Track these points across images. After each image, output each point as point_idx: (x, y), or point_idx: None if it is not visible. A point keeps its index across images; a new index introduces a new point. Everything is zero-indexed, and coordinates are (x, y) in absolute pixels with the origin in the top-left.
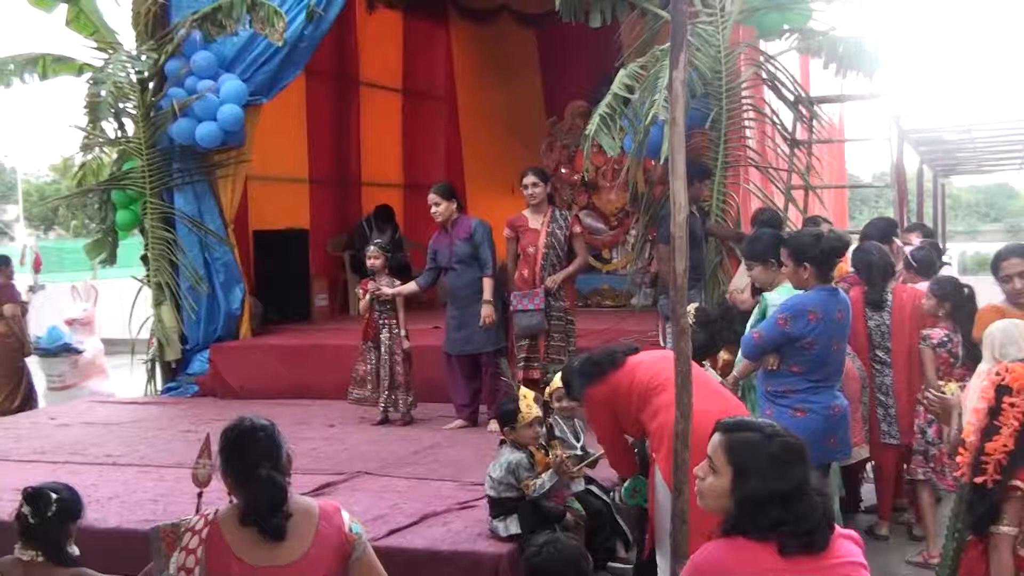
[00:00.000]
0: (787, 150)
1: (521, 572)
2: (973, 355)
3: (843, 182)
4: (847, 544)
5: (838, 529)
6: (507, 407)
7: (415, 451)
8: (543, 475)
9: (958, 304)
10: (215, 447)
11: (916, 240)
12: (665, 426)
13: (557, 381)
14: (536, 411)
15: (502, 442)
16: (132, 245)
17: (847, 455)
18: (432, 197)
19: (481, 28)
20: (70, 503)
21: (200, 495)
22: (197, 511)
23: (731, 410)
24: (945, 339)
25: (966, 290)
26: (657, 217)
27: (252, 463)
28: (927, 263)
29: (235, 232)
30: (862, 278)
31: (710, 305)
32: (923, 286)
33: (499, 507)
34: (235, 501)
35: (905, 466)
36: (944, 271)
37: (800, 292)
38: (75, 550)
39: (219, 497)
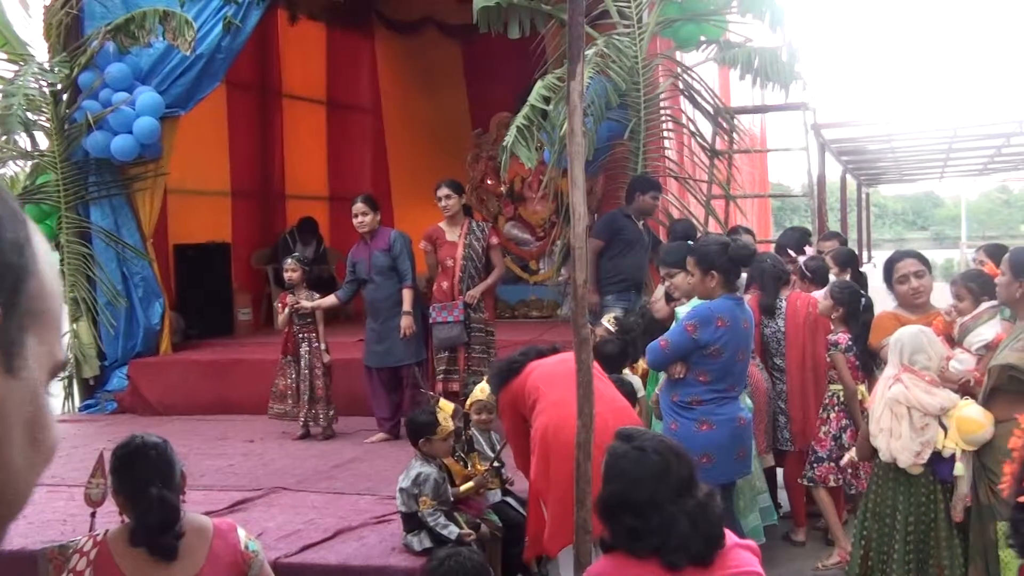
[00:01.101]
0: (706, 161)
1: None
2: (865, 362)
3: (767, 191)
4: (742, 554)
5: (734, 539)
6: (422, 419)
7: (335, 465)
8: (450, 525)
9: (852, 311)
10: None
11: (828, 249)
12: (537, 431)
13: (478, 393)
14: (451, 425)
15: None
16: None
17: (750, 470)
18: (360, 207)
19: (406, 40)
20: None
21: (93, 515)
22: (90, 531)
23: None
24: (850, 343)
25: (864, 300)
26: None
27: (143, 482)
28: (820, 273)
29: (155, 246)
30: (756, 286)
31: (632, 314)
32: (818, 294)
33: (411, 522)
34: (126, 521)
35: (806, 473)
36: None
37: (705, 301)
38: None
39: (114, 518)
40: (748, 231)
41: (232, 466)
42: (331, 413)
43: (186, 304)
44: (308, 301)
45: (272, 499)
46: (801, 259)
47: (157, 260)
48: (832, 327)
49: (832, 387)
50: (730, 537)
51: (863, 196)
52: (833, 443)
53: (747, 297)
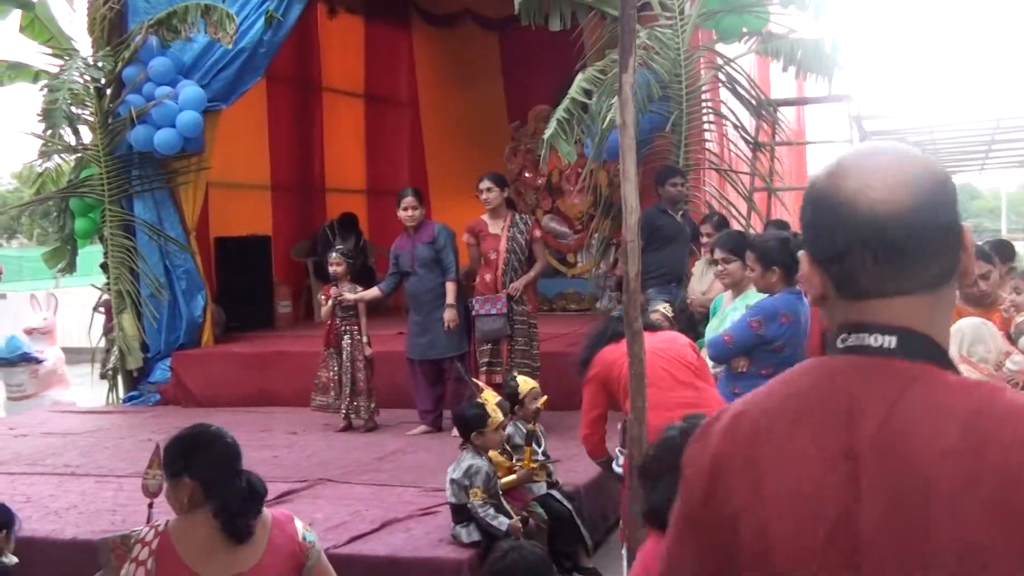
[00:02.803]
0: (748, 153)
1: None
2: None
3: (804, 184)
4: None
5: None
6: (471, 412)
7: (378, 457)
8: (499, 516)
9: None
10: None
11: None
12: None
13: (530, 382)
14: (500, 415)
15: (463, 446)
16: (92, 253)
17: None
18: (411, 200)
19: (443, 32)
20: None
21: (151, 506)
22: (148, 522)
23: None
24: None
25: None
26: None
27: (225, 465)
28: None
29: (196, 239)
30: None
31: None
32: None
33: (461, 513)
34: (176, 515)
35: None
36: None
37: (767, 296)
38: (11, 559)
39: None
40: (783, 224)
41: (277, 458)
42: (372, 406)
43: (227, 297)
44: (351, 293)
45: (318, 491)
46: None
47: (199, 253)
48: None
49: None
50: None
51: None
52: None
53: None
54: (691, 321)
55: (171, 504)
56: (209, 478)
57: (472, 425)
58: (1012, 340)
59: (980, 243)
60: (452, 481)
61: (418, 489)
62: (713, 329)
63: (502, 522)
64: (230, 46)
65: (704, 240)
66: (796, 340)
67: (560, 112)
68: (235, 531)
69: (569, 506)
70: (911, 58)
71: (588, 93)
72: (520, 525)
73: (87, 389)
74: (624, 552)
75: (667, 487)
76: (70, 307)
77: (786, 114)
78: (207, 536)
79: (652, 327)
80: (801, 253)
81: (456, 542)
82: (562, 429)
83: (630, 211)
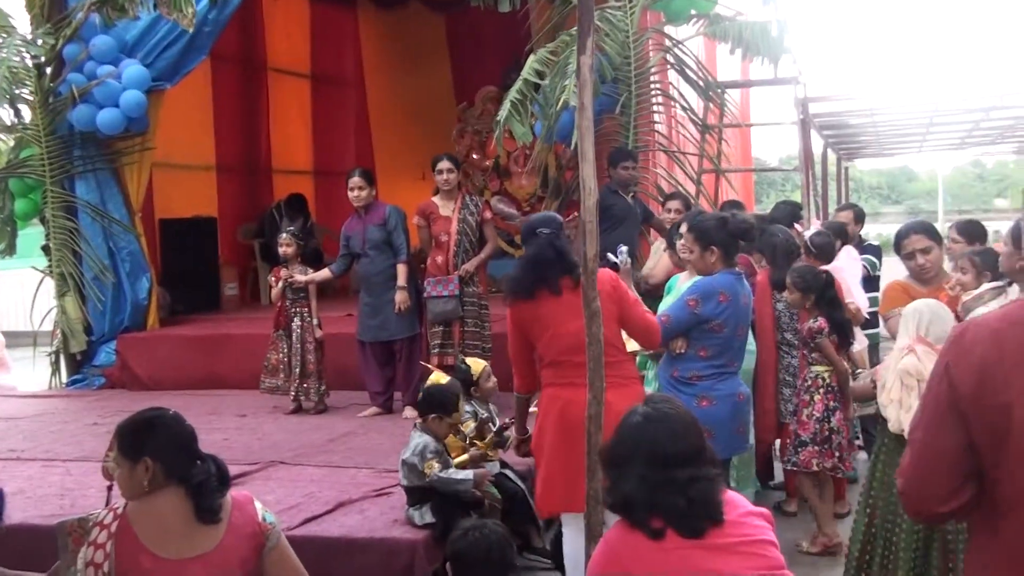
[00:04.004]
0: (696, 134)
1: (444, 556)
2: (843, 339)
3: (749, 166)
4: (754, 521)
5: (747, 507)
6: (448, 396)
7: (329, 439)
8: (461, 472)
9: (820, 292)
10: None
11: (847, 219)
12: (545, 396)
13: (480, 362)
14: (461, 416)
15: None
16: (33, 235)
17: (748, 446)
18: (357, 180)
19: (390, 13)
20: None
21: (110, 488)
22: (107, 504)
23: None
24: (829, 328)
25: (824, 276)
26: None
27: (188, 447)
28: (826, 248)
29: (141, 220)
30: (767, 260)
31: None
32: (826, 269)
33: (414, 495)
34: (127, 500)
35: (790, 457)
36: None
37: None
38: None
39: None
40: (738, 204)
41: (227, 441)
42: (322, 388)
43: (172, 279)
44: (302, 275)
45: (270, 473)
46: (807, 233)
47: (143, 235)
48: (808, 314)
49: (814, 368)
50: (743, 505)
51: (843, 170)
52: (817, 426)
53: (759, 273)
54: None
55: (122, 488)
56: (170, 459)
57: (442, 408)
58: (960, 319)
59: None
60: (404, 463)
61: (371, 470)
62: (664, 307)
63: (467, 474)
64: (191, 29)
65: (671, 216)
66: (735, 320)
67: (513, 93)
68: (207, 511)
69: (522, 486)
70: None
71: (540, 74)
72: (486, 471)
73: (28, 373)
74: (567, 529)
75: (638, 474)
76: (10, 289)
77: (733, 96)
78: (168, 518)
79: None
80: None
81: (410, 523)
82: (512, 409)
83: (588, 192)
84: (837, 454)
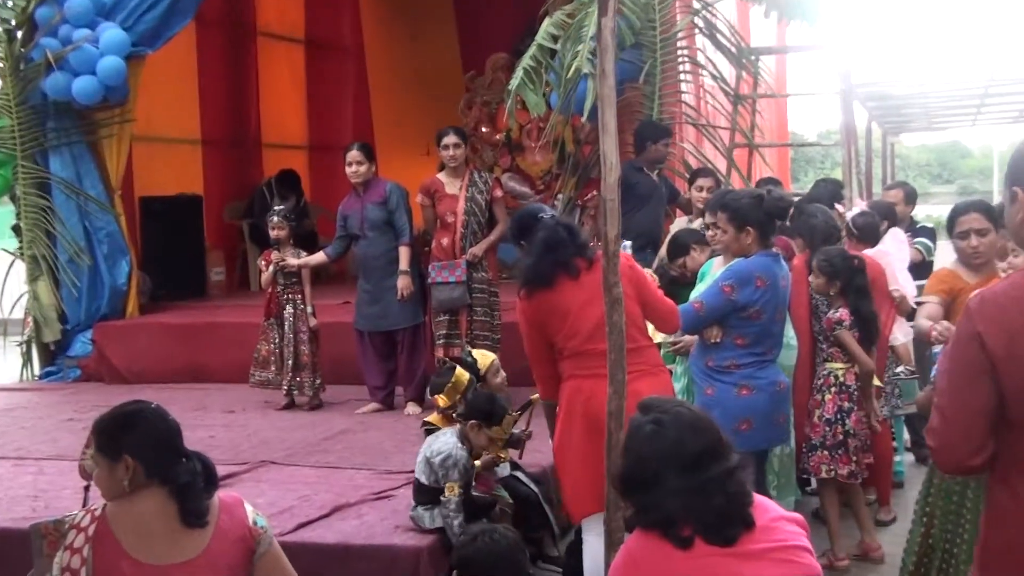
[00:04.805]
0: (727, 105)
1: (450, 563)
2: (868, 333)
3: (785, 140)
4: (787, 527)
5: (779, 512)
6: (499, 407)
7: (325, 437)
8: (462, 529)
9: (849, 279)
10: None
11: (896, 199)
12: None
13: (488, 355)
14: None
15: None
16: (2, 214)
17: (788, 438)
18: (356, 155)
19: None
20: None
21: (87, 488)
22: (84, 505)
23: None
24: (853, 319)
25: (855, 261)
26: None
27: (172, 444)
28: (870, 230)
29: (120, 199)
30: (804, 243)
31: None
32: (871, 253)
33: (426, 494)
34: (107, 500)
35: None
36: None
37: (741, 259)
38: None
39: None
40: (775, 181)
41: (213, 438)
42: (317, 381)
43: (154, 262)
44: (294, 259)
45: (260, 474)
46: (849, 215)
47: (123, 214)
48: (831, 302)
49: (828, 365)
50: (774, 509)
51: (888, 146)
52: (828, 429)
53: (796, 257)
54: (674, 285)
55: (102, 488)
56: (152, 457)
57: (487, 417)
58: None
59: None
60: (427, 460)
61: (370, 472)
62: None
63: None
64: None
65: (703, 195)
66: (773, 305)
67: (527, 60)
68: (193, 514)
69: (535, 489)
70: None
71: (557, 40)
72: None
73: None
74: (588, 535)
75: (672, 487)
76: None
77: (767, 64)
78: (150, 521)
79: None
80: None
81: (415, 524)
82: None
83: (610, 168)
84: (854, 459)
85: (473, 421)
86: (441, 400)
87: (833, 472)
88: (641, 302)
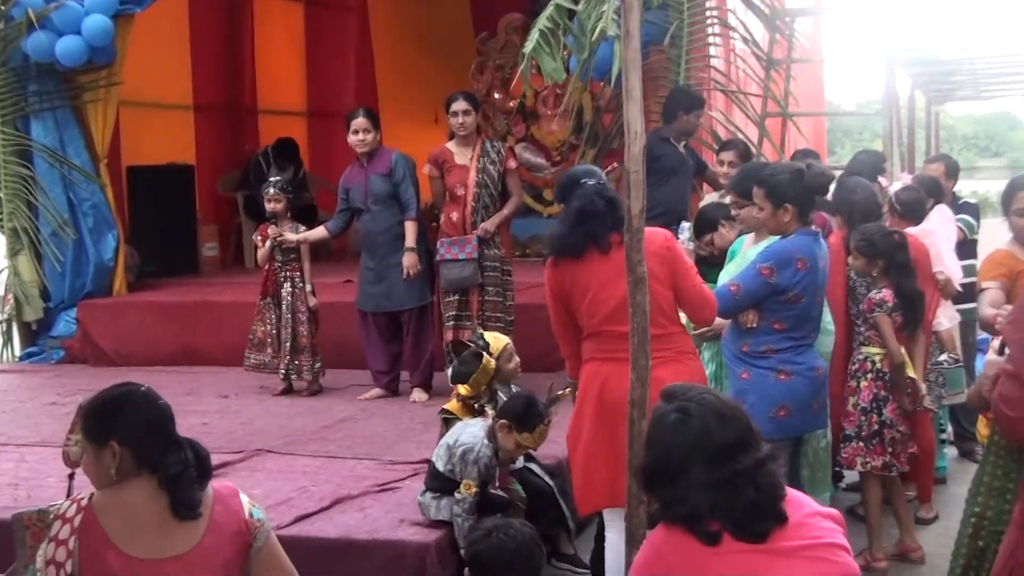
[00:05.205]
0: (759, 71)
1: (459, 561)
2: (912, 314)
3: (822, 109)
4: (822, 523)
5: (814, 507)
6: (533, 409)
7: (324, 425)
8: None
9: (891, 257)
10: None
11: (937, 173)
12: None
13: (501, 338)
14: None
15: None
16: None
17: (824, 425)
18: (362, 122)
19: None
20: None
21: (72, 476)
22: (68, 495)
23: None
24: (896, 302)
25: (896, 237)
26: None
27: (163, 429)
28: (914, 206)
29: (107, 168)
30: (843, 220)
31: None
32: (914, 232)
33: (438, 480)
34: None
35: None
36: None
37: (778, 238)
38: None
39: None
40: (812, 154)
41: (206, 425)
42: (317, 365)
43: (142, 237)
44: (293, 234)
45: (256, 463)
46: (892, 189)
47: (109, 184)
48: (873, 284)
49: (864, 350)
50: (809, 504)
51: (932, 115)
52: (863, 418)
53: (833, 235)
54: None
55: (90, 476)
56: (141, 444)
57: (518, 421)
58: None
59: None
60: (448, 447)
61: (373, 462)
62: (728, 275)
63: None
64: None
65: (725, 170)
66: (813, 288)
67: (543, 21)
68: (184, 505)
69: (550, 482)
70: None
71: None
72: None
73: None
74: (611, 532)
75: (700, 481)
76: None
77: (803, 26)
78: (139, 512)
79: None
80: None
81: (421, 511)
82: (539, 394)
83: (634, 137)
84: (890, 450)
85: (504, 421)
86: (464, 389)
87: (868, 464)
88: (675, 287)
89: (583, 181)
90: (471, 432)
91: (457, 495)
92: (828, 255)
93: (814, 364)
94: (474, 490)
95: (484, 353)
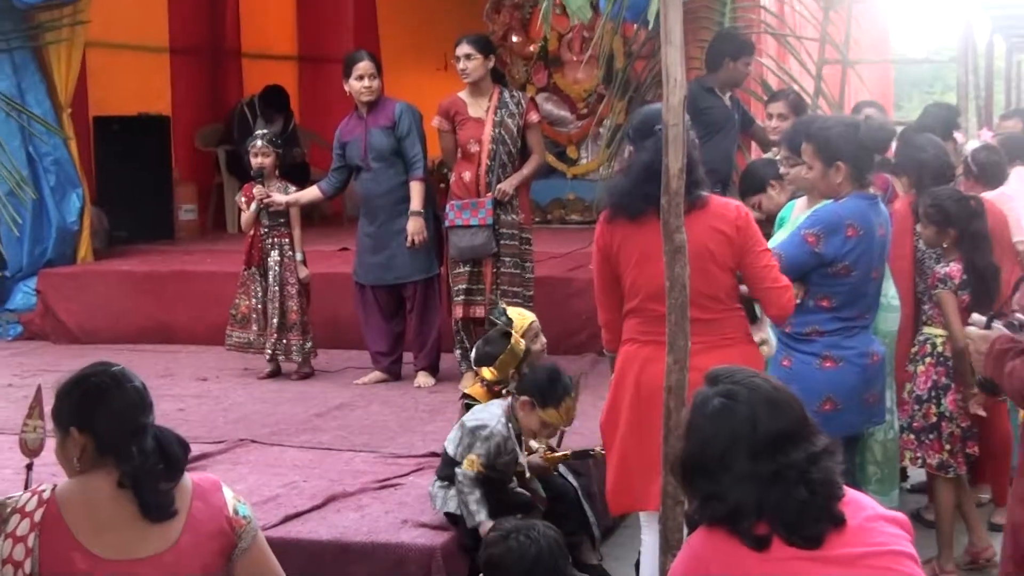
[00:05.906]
0: (816, 12)
1: (471, 567)
2: (985, 292)
3: (887, 56)
4: (887, 528)
5: (877, 510)
6: (557, 386)
7: (317, 413)
8: (481, 509)
9: (965, 225)
10: (49, 404)
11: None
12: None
13: (526, 314)
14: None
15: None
16: None
17: (884, 420)
18: (367, 66)
19: None
20: None
21: (30, 467)
22: (26, 487)
23: None
24: (965, 279)
25: (972, 203)
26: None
27: (132, 416)
28: (993, 169)
29: (71, 119)
30: (910, 182)
31: None
32: (991, 196)
33: (450, 468)
34: (66, 478)
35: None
36: None
37: (830, 201)
38: None
39: (54, 471)
40: (875, 105)
41: (183, 411)
42: (308, 345)
43: (111, 197)
44: (282, 194)
45: (239, 455)
46: (967, 148)
47: (74, 138)
48: (945, 255)
49: (927, 331)
50: (871, 507)
51: (1015, 64)
52: (918, 408)
53: (899, 200)
54: None
55: (62, 464)
56: (106, 432)
57: (541, 397)
58: None
59: None
60: (462, 425)
61: (372, 455)
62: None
63: (478, 519)
64: None
65: (774, 123)
66: (867, 260)
67: None
68: (152, 507)
69: (575, 483)
70: None
71: None
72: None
73: None
74: (647, 535)
75: (743, 473)
76: None
77: None
78: (106, 507)
79: None
80: None
81: (425, 516)
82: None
83: (674, 85)
84: (947, 448)
85: (525, 398)
86: (488, 372)
87: (920, 461)
88: (738, 268)
89: (658, 128)
90: (489, 412)
91: (458, 471)
92: (890, 222)
93: (867, 350)
94: (477, 466)
95: (512, 332)
